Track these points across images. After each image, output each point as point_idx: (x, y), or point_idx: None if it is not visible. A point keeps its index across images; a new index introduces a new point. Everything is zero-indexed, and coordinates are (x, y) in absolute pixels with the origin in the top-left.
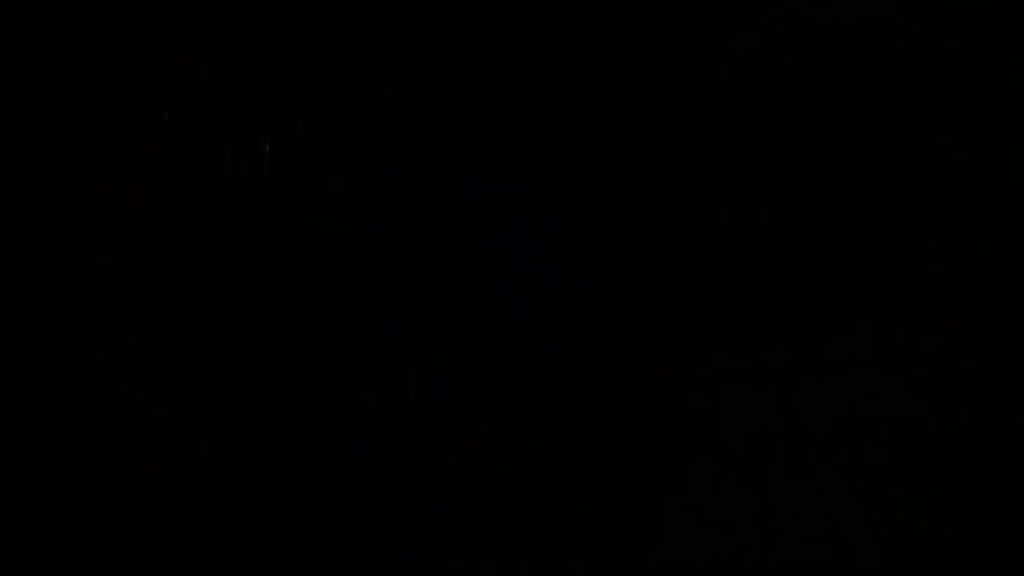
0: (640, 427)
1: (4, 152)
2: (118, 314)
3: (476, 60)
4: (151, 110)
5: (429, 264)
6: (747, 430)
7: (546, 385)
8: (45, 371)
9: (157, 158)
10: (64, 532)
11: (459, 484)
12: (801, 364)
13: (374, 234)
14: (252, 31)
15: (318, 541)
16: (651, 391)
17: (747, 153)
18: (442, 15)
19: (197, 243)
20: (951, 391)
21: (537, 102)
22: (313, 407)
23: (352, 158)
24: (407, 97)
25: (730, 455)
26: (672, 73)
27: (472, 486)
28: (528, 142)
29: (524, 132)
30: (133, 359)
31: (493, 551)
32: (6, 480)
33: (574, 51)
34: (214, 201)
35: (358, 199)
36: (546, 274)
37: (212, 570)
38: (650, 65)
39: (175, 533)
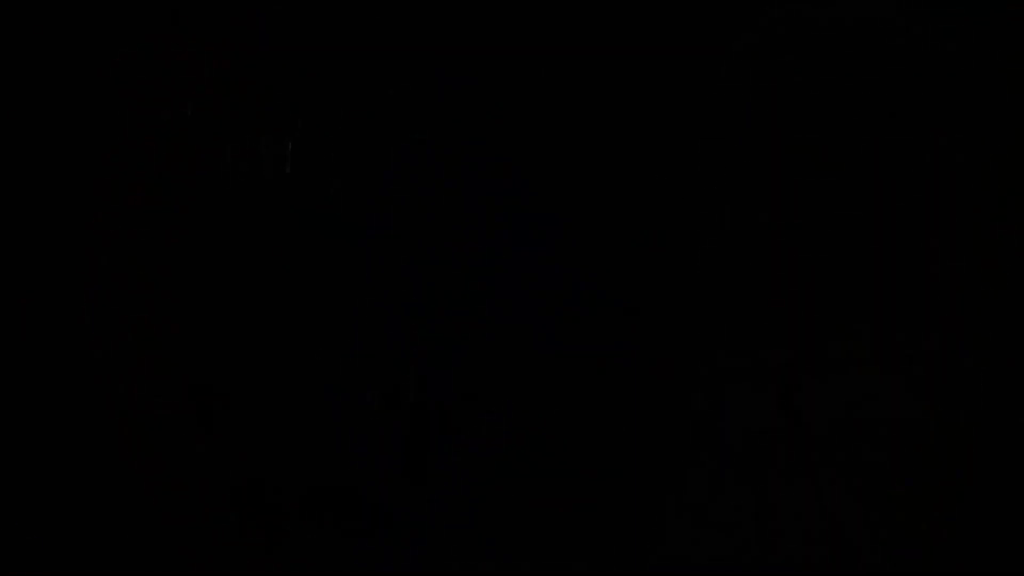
0: (640, 427)
1: (4, 152)
2: (118, 314)
3: (476, 60)
4: (151, 110)
5: (429, 264)
6: (747, 430)
7: (546, 385)
8: (45, 371)
9: (157, 158)
10: (64, 532)
11: (459, 484)
12: (801, 364)
13: (374, 234)
14: (252, 31)
15: (318, 541)
16: (651, 391)
17: (747, 153)
18: (442, 15)
19: (197, 243)
20: (951, 391)
21: (537, 102)
22: (313, 407)
23: (352, 158)
24: (407, 97)
25: (730, 455)
26: (672, 73)
27: (472, 486)
28: (528, 142)
29: (524, 132)
30: (133, 359)
31: (493, 551)
32: (6, 480)
33: (574, 51)
34: (214, 201)
35: (358, 199)
36: (546, 274)
37: (212, 570)
38: (650, 65)
39: (175, 533)
